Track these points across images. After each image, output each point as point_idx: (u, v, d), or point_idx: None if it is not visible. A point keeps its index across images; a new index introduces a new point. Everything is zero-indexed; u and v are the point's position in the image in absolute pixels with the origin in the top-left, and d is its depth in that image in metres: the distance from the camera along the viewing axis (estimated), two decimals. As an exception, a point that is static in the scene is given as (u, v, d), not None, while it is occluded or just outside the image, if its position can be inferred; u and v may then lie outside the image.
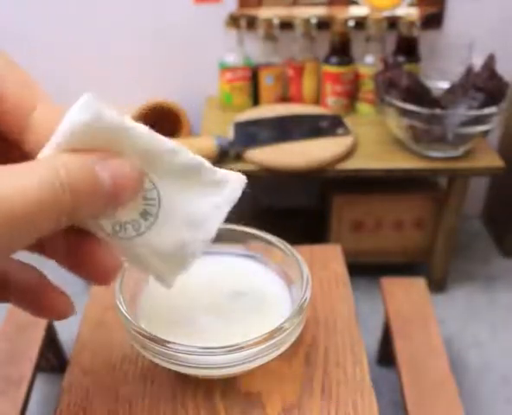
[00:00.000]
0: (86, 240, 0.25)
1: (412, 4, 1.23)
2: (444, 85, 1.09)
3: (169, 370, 0.39)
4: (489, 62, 1.00)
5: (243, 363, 0.34)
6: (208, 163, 0.27)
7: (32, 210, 0.18)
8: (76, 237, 0.25)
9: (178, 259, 0.28)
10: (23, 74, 0.23)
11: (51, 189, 0.19)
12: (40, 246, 0.25)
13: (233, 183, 0.28)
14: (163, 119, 1.19)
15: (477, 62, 1.02)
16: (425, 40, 1.23)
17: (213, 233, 0.28)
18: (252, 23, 1.20)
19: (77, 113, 0.21)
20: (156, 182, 0.25)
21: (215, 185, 0.27)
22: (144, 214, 0.26)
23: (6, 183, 0.18)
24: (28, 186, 0.19)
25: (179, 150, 0.25)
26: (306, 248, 0.52)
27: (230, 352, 0.33)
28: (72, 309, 0.26)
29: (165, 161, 0.25)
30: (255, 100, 1.26)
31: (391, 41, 1.20)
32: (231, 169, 0.28)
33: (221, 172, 0.28)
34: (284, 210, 1.43)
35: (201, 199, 0.27)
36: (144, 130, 0.24)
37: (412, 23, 1.15)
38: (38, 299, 0.25)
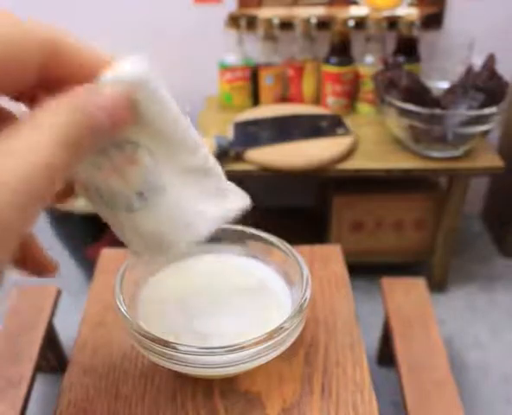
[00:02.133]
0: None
1: (412, 4, 1.23)
2: (444, 85, 1.09)
3: (169, 370, 0.39)
4: (489, 62, 0.99)
5: (243, 363, 0.34)
6: (219, 170, 0.27)
7: (36, 178, 0.18)
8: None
9: (156, 248, 0.28)
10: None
11: (50, 151, 0.19)
12: None
13: (235, 200, 0.28)
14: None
15: (477, 62, 1.02)
16: (425, 40, 1.23)
17: (198, 238, 0.28)
18: (252, 23, 1.20)
19: (133, 67, 0.22)
20: (164, 173, 0.25)
21: (217, 195, 0.27)
22: (140, 195, 0.25)
23: (4, 162, 0.18)
24: (26, 159, 0.18)
25: (198, 150, 0.25)
26: (306, 248, 0.52)
27: (230, 352, 0.33)
28: (56, 268, 0.27)
29: (181, 159, 0.25)
30: (255, 100, 1.26)
31: (391, 41, 1.20)
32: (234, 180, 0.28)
33: (228, 184, 0.27)
34: (284, 210, 1.43)
35: (198, 202, 0.27)
36: (181, 118, 0.24)
37: (412, 23, 1.15)
38: (23, 250, 0.25)
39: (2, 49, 0.20)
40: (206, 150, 0.26)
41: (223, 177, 0.27)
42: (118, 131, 0.22)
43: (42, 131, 0.19)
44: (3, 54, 0.20)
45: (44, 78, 0.22)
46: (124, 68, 0.22)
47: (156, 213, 0.26)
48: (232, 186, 0.28)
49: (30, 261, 0.26)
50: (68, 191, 0.27)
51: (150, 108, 0.23)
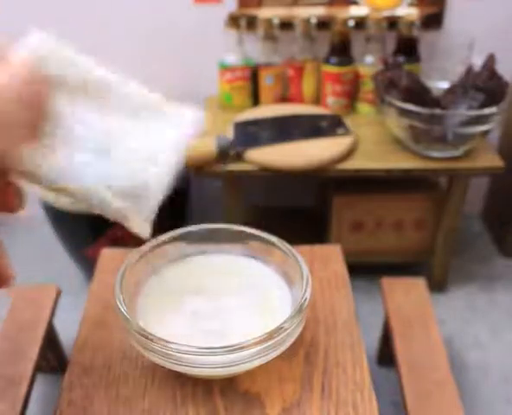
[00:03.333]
0: None
1: (412, 4, 1.24)
2: (444, 85, 1.09)
3: (169, 370, 0.39)
4: (489, 62, 0.99)
5: (243, 363, 0.34)
6: (159, 99, 0.27)
7: None
8: None
9: (132, 195, 0.27)
10: None
11: None
12: None
13: (188, 119, 0.28)
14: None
15: (477, 62, 1.02)
16: (425, 40, 1.23)
17: (169, 166, 0.27)
18: (252, 23, 1.20)
19: (34, 45, 0.23)
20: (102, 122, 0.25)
21: (170, 120, 0.28)
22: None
23: None
24: None
25: (130, 89, 0.26)
26: (306, 248, 0.52)
27: (230, 352, 0.33)
28: (10, 279, 0.27)
29: (115, 99, 0.26)
30: (255, 100, 1.26)
31: (391, 41, 1.20)
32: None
33: (175, 107, 0.28)
34: (284, 210, 1.43)
35: (154, 135, 0.27)
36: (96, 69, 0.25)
37: (412, 23, 1.15)
38: None
39: None
40: (137, 87, 0.27)
41: (167, 103, 0.27)
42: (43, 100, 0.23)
43: None
44: None
45: None
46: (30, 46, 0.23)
47: (112, 158, 0.26)
48: (178, 107, 0.28)
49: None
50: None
51: (54, 67, 0.24)
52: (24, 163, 0.24)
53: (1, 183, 0.26)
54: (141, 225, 0.28)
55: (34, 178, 0.25)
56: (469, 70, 1.02)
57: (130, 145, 0.26)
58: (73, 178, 0.25)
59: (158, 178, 0.27)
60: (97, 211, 0.27)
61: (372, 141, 1.12)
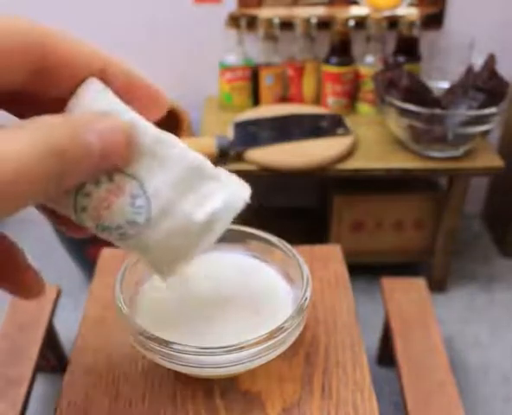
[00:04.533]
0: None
1: (412, 4, 1.23)
2: (445, 85, 1.09)
3: (169, 370, 0.39)
4: (490, 62, 0.99)
5: (243, 363, 0.34)
6: (209, 166, 0.26)
7: (13, 179, 0.17)
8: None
9: (174, 261, 0.27)
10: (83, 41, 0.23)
11: (36, 154, 0.18)
12: None
13: (236, 189, 0.27)
14: (163, 119, 1.19)
15: (478, 62, 1.02)
16: (425, 40, 1.23)
17: (212, 237, 0.27)
18: (252, 23, 1.20)
19: (92, 94, 0.22)
20: (149, 189, 0.24)
21: (215, 190, 0.26)
22: (133, 224, 0.24)
23: None
24: (9, 151, 0.17)
25: (184, 154, 0.24)
26: (306, 248, 0.52)
27: (230, 352, 0.33)
28: (41, 290, 0.25)
29: (167, 166, 0.24)
30: (255, 100, 1.26)
31: (391, 41, 1.20)
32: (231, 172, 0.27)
33: (225, 174, 0.26)
34: (284, 210, 1.43)
35: (199, 206, 0.26)
36: (151, 129, 0.23)
37: (412, 23, 1.15)
38: (9, 272, 0.24)
39: None
40: (189, 150, 0.25)
41: (217, 171, 0.26)
42: (108, 164, 0.22)
43: (30, 135, 0.18)
44: None
45: (32, 80, 0.21)
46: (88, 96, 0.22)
47: (155, 232, 0.25)
48: (228, 174, 0.27)
49: (10, 276, 0.24)
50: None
51: (143, 148, 0.23)
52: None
53: (21, 261, 0.24)
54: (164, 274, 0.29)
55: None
56: (469, 70, 1.02)
57: (174, 214, 0.25)
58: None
59: (204, 247, 0.27)
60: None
61: (372, 141, 1.12)
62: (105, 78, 0.23)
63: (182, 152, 0.24)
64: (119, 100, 0.23)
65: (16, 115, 0.24)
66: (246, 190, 0.27)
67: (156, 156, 0.24)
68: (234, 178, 0.27)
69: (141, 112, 0.23)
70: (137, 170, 0.24)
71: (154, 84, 0.24)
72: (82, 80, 0.22)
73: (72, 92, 0.22)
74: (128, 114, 0.23)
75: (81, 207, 0.24)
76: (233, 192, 0.26)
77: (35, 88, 0.21)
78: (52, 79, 0.21)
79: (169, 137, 0.24)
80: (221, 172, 0.26)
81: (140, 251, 0.26)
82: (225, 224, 0.27)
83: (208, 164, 0.26)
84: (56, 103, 0.22)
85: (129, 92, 0.23)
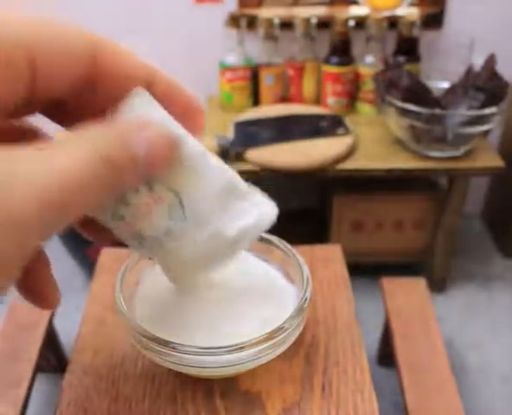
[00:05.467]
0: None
1: (412, 4, 1.23)
2: (445, 85, 1.09)
3: (169, 370, 0.39)
4: (490, 62, 0.99)
5: (243, 363, 0.34)
6: (243, 184, 0.27)
7: (72, 190, 0.17)
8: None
9: (192, 271, 0.29)
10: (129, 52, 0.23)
11: (92, 169, 0.18)
12: None
13: (264, 208, 0.28)
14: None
15: (478, 62, 1.02)
16: (426, 40, 1.23)
17: (238, 252, 0.28)
18: (252, 23, 1.20)
19: (139, 104, 0.22)
20: (186, 201, 0.25)
21: (248, 209, 0.27)
22: (168, 233, 0.25)
23: (41, 167, 0.17)
24: (64, 165, 0.17)
25: (222, 172, 0.25)
26: (306, 248, 0.52)
27: (230, 352, 0.33)
28: (57, 302, 0.25)
29: (206, 182, 0.25)
30: (255, 100, 1.26)
31: (391, 41, 1.20)
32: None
33: (256, 193, 0.28)
34: (284, 210, 1.42)
35: (231, 222, 0.27)
36: (194, 143, 0.24)
37: (412, 23, 1.15)
38: (32, 281, 0.24)
39: (51, 45, 0.19)
40: (225, 168, 0.26)
41: (247, 189, 0.27)
42: (151, 172, 0.22)
43: (86, 149, 0.18)
44: (55, 49, 0.19)
45: (79, 88, 0.21)
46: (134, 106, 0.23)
47: (188, 243, 0.26)
48: (260, 195, 0.28)
49: (34, 286, 0.24)
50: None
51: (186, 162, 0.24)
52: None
53: (47, 274, 0.24)
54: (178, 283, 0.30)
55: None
56: (469, 70, 1.02)
57: (206, 228, 0.26)
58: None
59: (229, 260, 0.28)
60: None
61: (372, 141, 1.12)
62: (150, 88, 0.23)
63: (221, 170, 0.25)
64: (165, 111, 0.23)
65: (57, 122, 0.24)
66: (274, 210, 0.29)
67: (196, 170, 0.24)
68: (264, 198, 0.28)
69: (178, 123, 0.24)
70: (177, 182, 0.24)
71: (194, 96, 0.25)
72: (128, 90, 0.22)
73: (117, 101, 0.22)
74: (172, 124, 0.23)
75: (119, 216, 0.24)
76: (264, 211, 0.28)
77: (81, 97, 0.22)
78: (99, 88, 0.22)
79: (209, 153, 0.25)
80: (253, 191, 0.28)
81: (167, 258, 0.27)
82: (252, 240, 0.28)
83: (242, 183, 0.27)
84: (98, 111, 0.23)
85: (170, 102, 0.24)
